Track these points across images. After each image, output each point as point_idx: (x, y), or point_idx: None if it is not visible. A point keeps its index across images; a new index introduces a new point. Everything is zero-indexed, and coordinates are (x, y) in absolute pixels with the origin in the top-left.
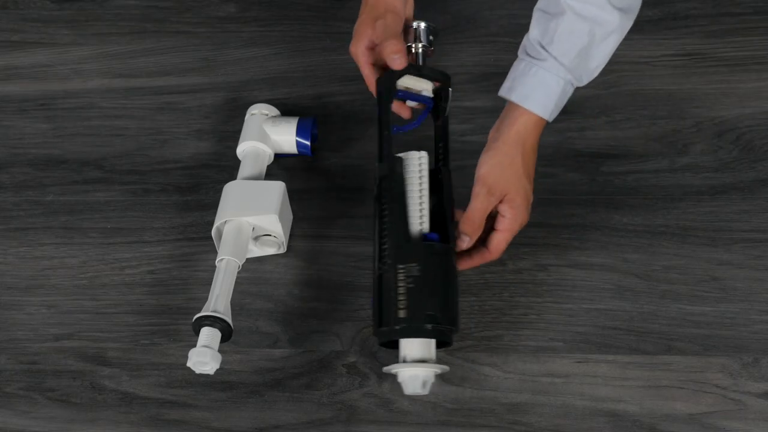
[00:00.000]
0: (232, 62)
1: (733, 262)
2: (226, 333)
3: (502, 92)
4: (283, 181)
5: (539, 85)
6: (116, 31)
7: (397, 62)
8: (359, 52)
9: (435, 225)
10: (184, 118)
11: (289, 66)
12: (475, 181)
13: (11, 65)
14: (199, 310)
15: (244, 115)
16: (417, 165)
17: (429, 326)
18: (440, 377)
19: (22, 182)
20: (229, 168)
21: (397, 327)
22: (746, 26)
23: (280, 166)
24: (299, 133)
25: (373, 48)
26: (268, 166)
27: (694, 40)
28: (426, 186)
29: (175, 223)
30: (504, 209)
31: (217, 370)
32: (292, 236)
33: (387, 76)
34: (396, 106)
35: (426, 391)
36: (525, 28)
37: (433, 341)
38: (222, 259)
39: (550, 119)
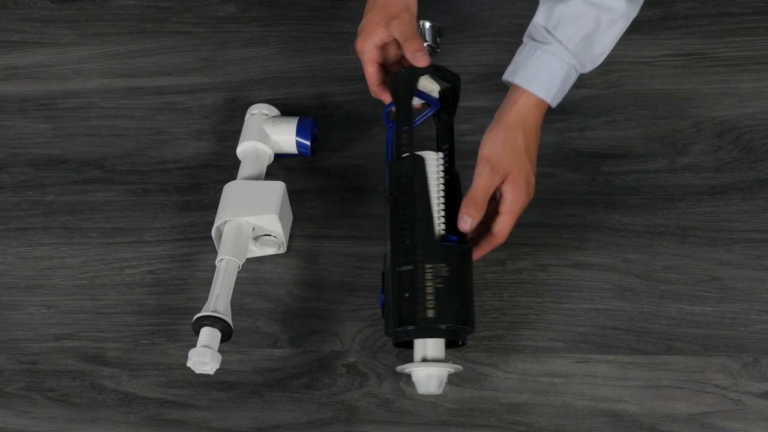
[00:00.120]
0: (232, 62)
1: (733, 262)
2: (226, 333)
3: (506, 76)
4: (283, 181)
5: (543, 68)
6: (116, 31)
7: (422, 60)
8: (366, 49)
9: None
10: (184, 118)
11: (289, 66)
12: (478, 161)
13: (11, 65)
14: (199, 310)
15: (244, 115)
16: (435, 165)
17: (457, 327)
18: None
19: (22, 182)
20: (229, 168)
21: (425, 326)
22: (746, 26)
23: (280, 166)
24: (299, 133)
25: (381, 47)
26: (268, 166)
27: (694, 40)
28: (442, 187)
29: (175, 223)
30: (506, 190)
31: (217, 370)
32: (292, 236)
33: (407, 72)
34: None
35: (440, 391)
36: (525, 28)
37: (443, 341)
38: (222, 259)
39: (553, 104)
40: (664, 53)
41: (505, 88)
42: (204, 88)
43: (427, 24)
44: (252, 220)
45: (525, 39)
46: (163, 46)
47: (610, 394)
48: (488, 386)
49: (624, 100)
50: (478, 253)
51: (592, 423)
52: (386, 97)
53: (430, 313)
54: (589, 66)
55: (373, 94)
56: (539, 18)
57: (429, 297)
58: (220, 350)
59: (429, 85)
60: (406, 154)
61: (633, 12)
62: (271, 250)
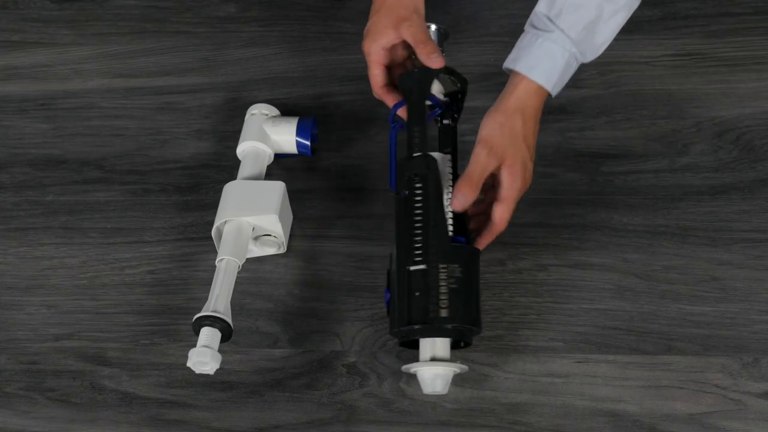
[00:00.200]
0: (232, 62)
1: (733, 262)
2: (226, 333)
3: (507, 63)
4: (283, 181)
5: (544, 56)
6: (116, 31)
7: (437, 62)
8: (374, 51)
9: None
10: (184, 118)
11: (289, 66)
12: (476, 144)
13: (11, 65)
14: (199, 310)
15: (244, 115)
16: (447, 166)
17: (467, 328)
18: None
19: (22, 182)
20: (229, 168)
21: (438, 326)
22: (746, 26)
23: (280, 166)
24: (299, 133)
25: (389, 49)
26: (268, 166)
27: (694, 40)
28: (451, 188)
29: (175, 223)
30: (503, 176)
31: (217, 370)
32: (292, 236)
33: (422, 72)
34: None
35: (445, 391)
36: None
37: (449, 341)
38: (222, 259)
39: (553, 92)
40: (664, 53)
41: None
42: (204, 88)
43: (433, 27)
44: (252, 220)
45: (526, 27)
46: (163, 46)
47: (610, 394)
48: (488, 386)
49: (624, 100)
50: (481, 244)
51: (592, 423)
52: (389, 100)
53: (444, 313)
54: (590, 56)
55: (376, 96)
56: (541, 6)
57: (443, 297)
58: (220, 350)
59: (434, 87)
60: (418, 154)
61: (635, 3)
62: (271, 250)
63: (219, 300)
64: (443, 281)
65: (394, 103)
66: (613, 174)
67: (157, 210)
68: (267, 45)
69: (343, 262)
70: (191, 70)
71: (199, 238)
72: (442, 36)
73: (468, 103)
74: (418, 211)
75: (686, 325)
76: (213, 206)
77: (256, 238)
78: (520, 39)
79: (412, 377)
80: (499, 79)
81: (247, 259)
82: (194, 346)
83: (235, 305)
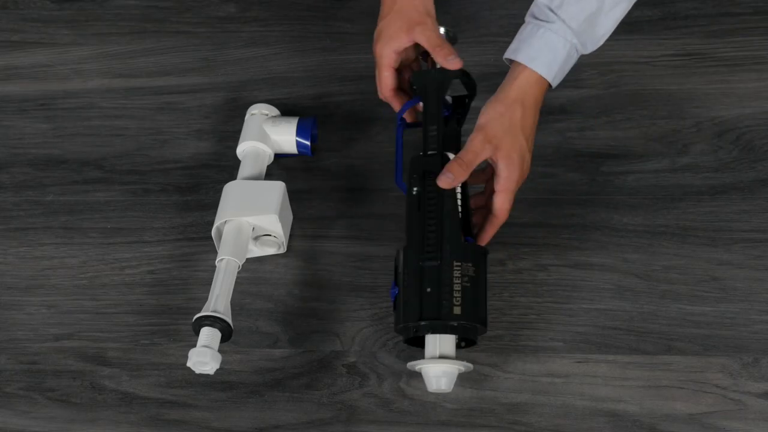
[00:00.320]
0: (232, 62)
1: (733, 262)
2: (226, 333)
3: (508, 54)
4: (283, 181)
5: (545, 46)
6: (116, 31)
7: (455, 63)
8: (386, 54)
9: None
10: (184, 118)
11: (289, 66)
12: (474, 130)
13: (11, 65)
14: (199, 310)
15: (244, 115)
16: None
17: (477, 326)
18: None
19: (22, 182)
20: (229, 168)
21: (450, 323)
22: (746, 26)
23: (280, 166)
24: (299, 133)
25: (400, 52)
26: (268, 166)
27: (694, 40)
28: (459, 188)
29: (175, 223)
30: (500, 166)
31: (217, 370)
32: (292, 236)
33: (439, 72)
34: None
35: (450, 389)
36: None
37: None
38: (222, 259)
39: (554, 83)
40: (664, 53)
41: None
42: (204, 88)
43: (442, 29)
44: (252, 220)
45: (527, 18)
46: (163, 46)
47: (610, 394)
48: (488, 386)
49: (624, 100)
50: (484, 237)
51: (592, 423)
52: (397, 102)
53: (457, 310)
54: (590, 47)
55: (382, 98)
56: None
57: (456, 294)
58: (220, 350)
59: None
60: (433, 152)
61: None
62: (271, 250)
63: (219, 300)
64: (457, 279)
65: (401, 105)
66: (613, 174)
67: (157, 210)
68: (267, 45)
69: (343, 262)
70: (191, 70)
71: (199, 238)
72: (451, 39)
73: None
74: (432, 208)
75: (686, 325)
76: (213, 206)
77: (256, 238)
78: (520, 30)
79: (412, 377)
80: (499, 80)
81: (247, 259)
82: (194, 346)
83: (235, 305)
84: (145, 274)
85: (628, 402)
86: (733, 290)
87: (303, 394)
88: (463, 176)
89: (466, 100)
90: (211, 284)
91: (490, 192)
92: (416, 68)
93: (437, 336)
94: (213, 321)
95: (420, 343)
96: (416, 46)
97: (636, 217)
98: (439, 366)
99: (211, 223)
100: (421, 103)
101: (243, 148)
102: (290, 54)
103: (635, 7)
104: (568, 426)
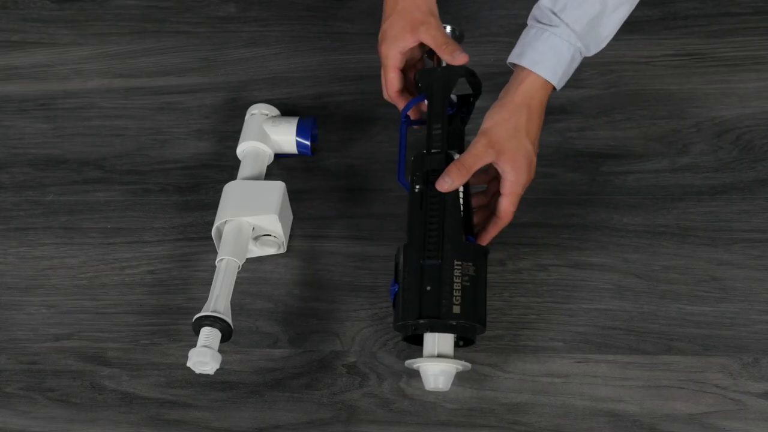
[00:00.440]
0: (232, 62)
1: (733, 262)
2: (226, 333)
3: (512, 58)
4: (283, 181)
5: (550, 50)
6: (116, 31)
7: (461, 57)
8: (391, 55)
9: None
10: (184, 118)
11: (289, 66)
12: (478, 134)
13: (11, 65)
14: (199, 310)
15: (244, 115)
16: None
17: (476, 326)
18: None
19: (22, 182)
20: (229, 168)
21: (449, 322)
22: (746, 26)
23: (280, 166)
24: (299, 133)
25: (405, 52)
26: (268, 166)
27: (694, 40)
28: (462, 188)
29: (175, 223)
30: (506, 170)
31: (217, 370)
32: (292, 236)
33: (445, 70)
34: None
35: (447, 388)
36: (525, 28)
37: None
38: (222, 259)
39: (558, 87)
40: (664, 53)
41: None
42: (204, 88)
43: (448, 28)
44: (252, 220)
45: (530, 22)
46: (163, 46)
47: (610, 394)
48: (488, 386)
49: (624, 100)
50: (486, 237)
51: (592, 423)
52: (402, 103)
53: (456, 309)
54: (594, 49)
55: (387, 98)
56: (546, 0)
57: (456, 293)
58: (220, 350)
59: None
60: (437, 150)
61: None
62: (271, 250)
63: (219, 300)
64: (457, 278)
65: (405, 105)
66: (613, 174)
67: (157, 210)
68: (267, 45)
69: (343, 262)
70: (191, 70)
71: (199, 238)
72: (457, 38)
73: None
74: (434, 207)
75: (686, 325)
76: (213, 206)
77: (256, 238)
78: (524, 33)
79: (412, 377)
80: (499, 80)
81: (247, 259)
82: (194, 346)
83: (235, 305)
84: (145, 274)
85: (628, 402)
86: (733, 290)
87: (303, 394)
88: (462, 180)
89: (471, 99)
90: (211, 284)
91: (492, 193)
92: (420, 67)
93: (436, 334)
94: (213, 321)
95: (419, 341)
96: (421, 45)
97: (636, 217)
98: (437, 365)
99: (211, 223)
100: (425, 101)
101: (243, 148)
102: (290, 54)
103: (635, 7)
104: (568, 426)
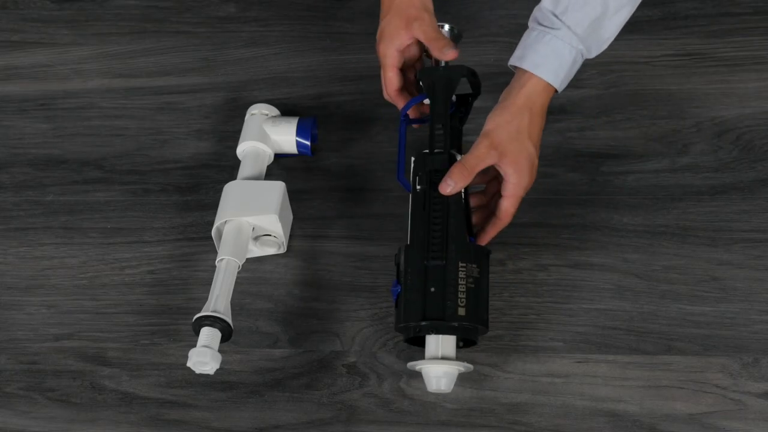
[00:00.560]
0: (232, 62)
1: (733, 262)
2: (226, 333)
3: (513, 61)
4: (283, 181)
5: (552, 53)
6: (116, 31)
7: (450, 53)
8: (389, 53)
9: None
10: (184, 118)
11: (289, 66)
12: (480, 136)
13: (11, 65)
14: (199, 310)
15: (244, 115)
16: None
17: (479, 328)
18: None
19: (22, 182)
20: (229, 168)
21: (454, 324)
22: (746, 26)
23: (280, 166)
24: (299, 133)
25: (402, 51)
26: (268, 166)
27: (694, 40)
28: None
29: (175, 223)
30: (508, 172)
31: (217, 370)
32: (292, 236)
33: (447, 70)
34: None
35: (449, 390)
36: (525, 28)
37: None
38: (222, 259)
39: (560, 89)
40: (664, 53)
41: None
42: (204, 88)
43: (446, 26)
44: (252, 220)
45: (531, 24)
46: (163, 46)
47: (610, 394)
48: (488, 386)
49: (624, 100)
50: (484, 238)
51: (592, 423)
52: (402, 102)
53: (461, 311)
54: (595, 51)
55: (387, 98)
56: (547, 3)
57: (461, 295)
58: (220, 350)
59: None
60: (440, 150)
61: None
62: (271, 250)
63: (219, 300)
64: (462, 280)
65: (405, 105)
66: (613, 174)
67: (157, 210)
68: (267, 45)
69: (343, 262)
70: (191, 70)
71: (199, 238)
72: (456, 37)
73: None
74: (437, 207)
75: (686, 325)
76: (213, 206)
77: (256, 238)
78: (525, 36)
79: (412, 377)
80: (499, 80)
81: (247, 259)
82: (194, 346)
83: (235, 305)
84: (145, 274)
85: (628, 402)
86: (733, 290)
87: (303, 394)
88: (465, 182)
89: (470, 99)
90: (211, 284)
91: (492, 193)
92: (419, 67)
93: (438, 336)
94: (213, 321)
95: (420, 343)
96: (419, 43)
97: (636, 217)
98: (440, 366)
99: (211, 223)
100: (425, 101)
101: (243, 148)
102: (290, 54)
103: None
104: (568, 426)
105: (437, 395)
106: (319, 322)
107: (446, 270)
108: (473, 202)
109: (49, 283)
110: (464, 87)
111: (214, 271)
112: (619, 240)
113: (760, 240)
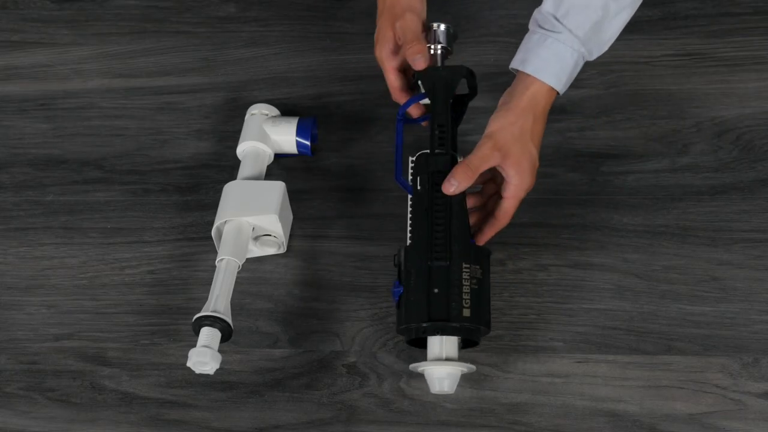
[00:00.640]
0: (232, 62)
1: (733, 262)
2: (226, 333)
3: (515, 64)
4: (283, 181)
5: (553, 57)
6: (116, 31)
7: (419, 63)
8: (384, 56)
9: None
10: (184, 118)
11: (289, 66)
12: (483, 137)
13: (11, 65)
14: (199, 310)
15: (244, 115)
16: None
17: (482, 329)
18: None
19: (22, 182)
20: (229, 168)
21: (459, 325)
22: (746, 26)
23: (280, 166)
24: (299, 133)
25: (396, 51)
26: (268, 166)
27: (694, 40)
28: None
29: (175, 223)
30: (510, 174)
31: (217, 370)
32: (292, 236)
33: (447, 71)
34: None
35: (452, 391)
36: (525, 28)
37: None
38: (222, 259)
39: (562, 92)
40: (664, 53)
41: (506, 85)
42: (204, 88)
43: (442, 26)
44: (252, 220)
45: (531, 26)
46: (163, 46)
47: (610, 394)
48: (488, 386)
49: (624, 100)
50: (482, 238)
51: (592, 423)
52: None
53: (466, 313)
54: (596, 53)
55: (395, 99)
56: (548, 6)
57: (465, 296)
58: (220, 350)
59: None
60: (441, 151)
61: (638, 1)
62: (271, 250)
63: (219, 300)
64: (466, 281)
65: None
66: (613, 174)
67: (157, 210)
68: (267, 45)
69: (343, 262)
70: (191, 70)
71: (199, 238)
72: (451, 37)
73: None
74: (439, 208)
75: (686, 325)
76: (213, 206)
77: (256, 238)
78: (526, 38)
79: (412, 377)
80: (499, 80)
81: (247, 259)
82: (194, 346)
83: (235, 305)
84: (145, 274)
85: (628, 402)
86: (733, 290)
87: (303, 394)
88: (468, 183)
89: (466, 100)
90: (211, 284)
91: (490, 194)
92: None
93: (442, 337)
94: (213, 321)
95: (421, 344)
96: None
97: (636, 217)
98: (443, 368)
99: (211, 223)
100: (422, 100)
101: (243, 148)
102: (290, 54)
103: None
104: (568, 426)
105: (437, 395)
106: (319, 322)
107: (450, 271)
108: (470, 202)
109: (49, 283)
110: (461, 88)
111: (214, 271)
112: (619, 240)
113: (760, 240)
